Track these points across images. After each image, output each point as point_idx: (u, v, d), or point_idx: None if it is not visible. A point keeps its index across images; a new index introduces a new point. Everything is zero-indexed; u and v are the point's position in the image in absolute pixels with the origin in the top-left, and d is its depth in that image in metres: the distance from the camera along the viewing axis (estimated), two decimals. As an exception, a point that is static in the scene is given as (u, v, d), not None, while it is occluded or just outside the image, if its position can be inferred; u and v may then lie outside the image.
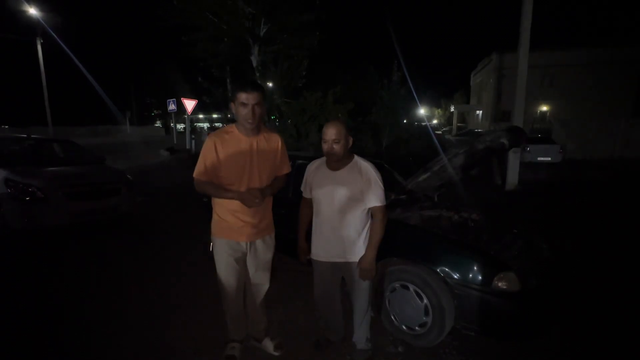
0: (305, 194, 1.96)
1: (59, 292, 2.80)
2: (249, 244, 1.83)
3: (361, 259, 1.78)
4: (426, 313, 2.05)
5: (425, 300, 2.04)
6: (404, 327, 2.17)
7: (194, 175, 1.72)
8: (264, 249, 1.91)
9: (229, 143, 1.70)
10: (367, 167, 1.76)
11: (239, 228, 1.77)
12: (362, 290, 1.87)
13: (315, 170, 1.90)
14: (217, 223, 1.82)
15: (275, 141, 1.85)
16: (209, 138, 1.72)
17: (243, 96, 1.62)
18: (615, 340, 2.26)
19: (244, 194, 1.67)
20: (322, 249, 1.87)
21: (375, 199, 1.74)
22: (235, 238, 1.79)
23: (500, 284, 1.89)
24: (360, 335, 1.96)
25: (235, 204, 1.73)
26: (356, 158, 1.82)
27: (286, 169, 1.94)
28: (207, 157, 1.69)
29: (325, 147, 1.73)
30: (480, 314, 1.94)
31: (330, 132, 1.70)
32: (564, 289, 2.29)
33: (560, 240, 3.64)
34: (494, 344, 2.15)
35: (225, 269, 1.83)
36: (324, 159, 1.86)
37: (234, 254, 1.82)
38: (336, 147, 1.70)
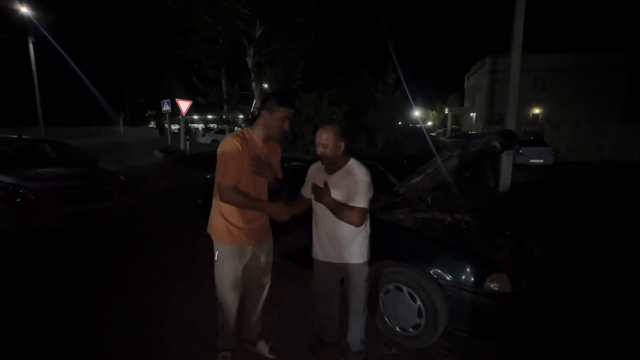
0: (304, 192, 2.00)
1: (51, 295, 2.76)
2: (255, 247, 1.84)
3: (328, 198, 1.73)
4: (419, 314, 2.06)
5: (419, 302, 2.06)
6: (397, 329, 2.18)
7: (226, 181, 1.60)
8: (268, 250, 1.95)
9: (249, 147, 1.69)
10: (358, 170, 1.78)
11: (249, 231, 1.76)
12: (358, 292, 1.87)
13: (315, 172, 1.96)
14: (226, 229, 1.74)
15: (278, 149, 1.93)
16: (234, 140, 1.63)
17: (288, 111, 1.71)
18: (608, 340, 2.29)
19: (279, 210, 1.69)
20: (319, 249, 1.91)
21: (356, 198, 1.72)
22: (245, 243, 1.77)
23: (492, 286, 1.91)
24: (355, 336, 1.96)
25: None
26: (351, 161, 1.83)
27: (280, 175, 1.95)
28: (236, 159, 1.62)
29: (317, 149, 1.80)
30: (472, 315, 1.96)
31: (320, 136, 1.77)
32: (555, 290, 2.32)
33: (552, 241, 3.69)
34: (487, 345, 2.17)
35: (231, 278, 1.78)
36: None
37: (241, 261, 1.79)
38: (326, 150, 1.76)
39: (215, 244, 1.78)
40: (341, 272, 1.90)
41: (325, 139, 1.75)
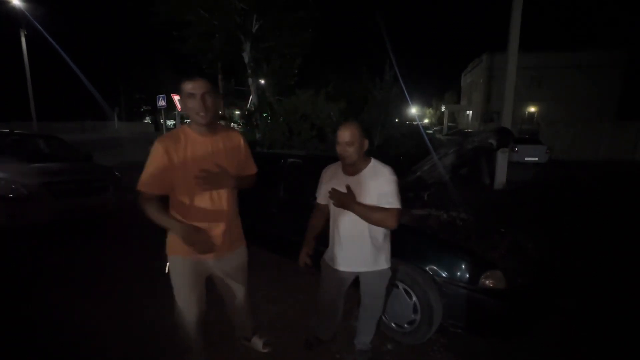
0: (319, 199, 1.84)
1: (44, 292, 2.74)
2: (216, 260, 1.60)
3: (354, 202, 1.57)
4: (415, 311, 2.08)
5: (414, 298, 2.07)
6: (392, 325, 2.20)
7: (138, 187, 1.42)
8: (236, 262, 1.71)
9: (184, 147, 1.44)
10: (386, 170, 1.64)
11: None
12: (378, 297, 1.81)
13: (330, 175, 1.78)
14: (175, 238, 1.48)
15: (236, 139, 1.63)
16: (157, 142, 1.42)
17: (189, 86, 1.39)
18: (601, 337, 2.32)
19: (189, 234, 1.37)
20: (340, 258, 1.75)
21: (391, 199, 1.58)
22: (200, 256, 1.51)
23: (487, 282, 1.93)
24: (367, 339, 1.94)
25: (199, 215, 1.49)
26: (373, 161, 1.69)
27: (252, 169, 1.73)
28: (154, 164, 1.41)
29: (338, 149, 1.62)
30: (467, 312, 1.97)
31: (344, 135, 1.59)
32: (550, 287, 2.34)
33: (547, 239, 3.72)
34: (480, 341, 2.19)
35: (187, 293, 1.58)
36: (339, 162, 1.74)
37: (197, 274, 1.59)
38: (350, 150, 1.59)
39: (167, 253, 1.58)
40: (360, 278, 1.79)
41: (350, 137, 1.57)
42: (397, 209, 1.57)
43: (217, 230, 1.55)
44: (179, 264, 1.56)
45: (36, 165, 4.33)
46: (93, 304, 2.55)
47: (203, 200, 1.50)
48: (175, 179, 1.44)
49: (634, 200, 6.63)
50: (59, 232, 4.05)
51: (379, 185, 1.60)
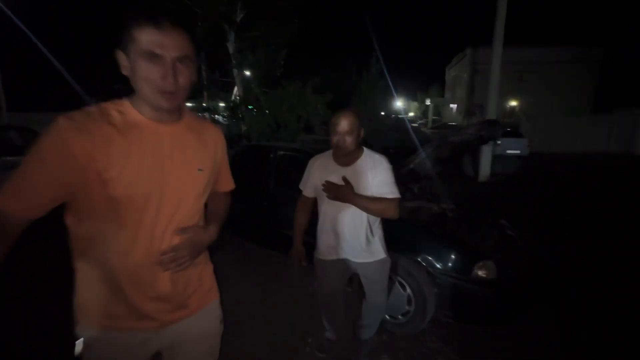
0: (306, 192, 1.75)
1: (33, 290, 2.63)
2: (163, 332, 0.91)
3: (353, 194, 1.50)
4: (409, 302, 2.10)
5: (408, 290, 2.09)
6: (387, 317, 2.21)
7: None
8: (201, 327, 0.99)
9: (118, 137, 0.78)
10: (383, 159, 1.60)
11: (139, 308, 0.85)
12: (381, 288, 1.78)
13: (320, 166, 1.67)
14: (89, 303, 0.87)
15: (212, 136, 0.99)
16: (64, 123, 0.74)
17: (153, 38, 0.74)
18: (589, 326, 2.39)
19: None
20: (334, 249, 1.68)
21: (392, 189, 1.54)
22: (132, 326, 0.86)
23: (480, 273, 1.96)
24: (372, 332, 1.93)
25: (129, 261, 0.83)
26: (366, 151, 1.63)
27: (228, 184, 1.14)
28: (40, 166, 0.77)
29: (334, 139, 1.53)
30: (460, 302, 2.01)
31: (342, 124, 1.50)
32: (537, 277, 2.40)
33: (532, 229, 3.83)
34: (472, 331, 2.24)
35: None
36: (328, 153, 1.67)
37: (128, 352, 0.88)
38: (348, 139, 1.51)
39: (76, 327, 0.89)
40: (359, 270, 1.73)
41: (349, 126, 1.49)
42: (398, 198, 1.54)
43: (164, 284, 0.87)
44: (97, 342, 0.86)
45: (9, 158, 4.10)
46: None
47: (136, 235, 0.82)
48: (91, 197, 0.80)
49: (610, 190, 6.93)
50: (36, 229, 3.86)
51: (377, 174, 1.55)
